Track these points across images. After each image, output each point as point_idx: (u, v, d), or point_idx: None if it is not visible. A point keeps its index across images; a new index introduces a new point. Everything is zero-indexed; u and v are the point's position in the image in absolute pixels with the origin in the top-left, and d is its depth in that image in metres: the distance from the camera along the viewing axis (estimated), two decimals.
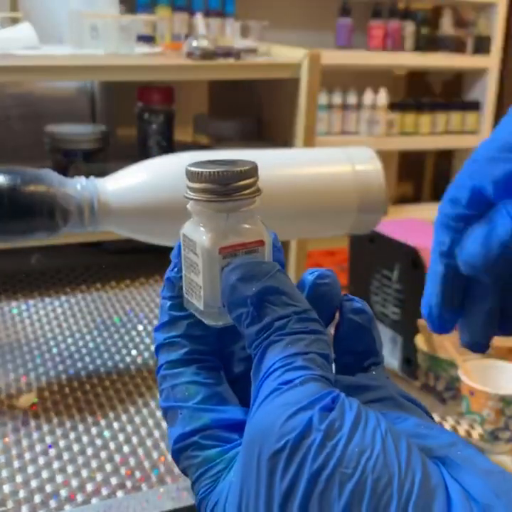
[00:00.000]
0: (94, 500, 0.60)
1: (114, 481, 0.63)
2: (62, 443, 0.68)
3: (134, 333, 0.91)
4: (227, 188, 0.30)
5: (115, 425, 0.71)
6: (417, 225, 1.13)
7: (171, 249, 0.33)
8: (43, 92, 1.26)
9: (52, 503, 0.59)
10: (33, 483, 0.62)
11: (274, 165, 0.75)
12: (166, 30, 1.62)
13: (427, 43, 2.70)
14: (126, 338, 0.90)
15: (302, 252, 1.17)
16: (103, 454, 0.66)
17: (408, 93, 2.93)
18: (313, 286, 0.32)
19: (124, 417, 0.73)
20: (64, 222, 0.67)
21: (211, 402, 0.31)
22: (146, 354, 0.86)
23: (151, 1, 2.04)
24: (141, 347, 0.88)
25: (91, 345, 0.87)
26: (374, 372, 0.32)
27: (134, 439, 0.69)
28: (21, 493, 0.60)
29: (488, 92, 2.73)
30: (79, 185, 0.68)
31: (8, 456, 0.65)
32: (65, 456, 0.66)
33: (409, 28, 2.66)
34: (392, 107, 2.64)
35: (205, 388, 0.32)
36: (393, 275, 1.00)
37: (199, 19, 1.37)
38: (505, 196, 0.34)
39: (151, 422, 0.72)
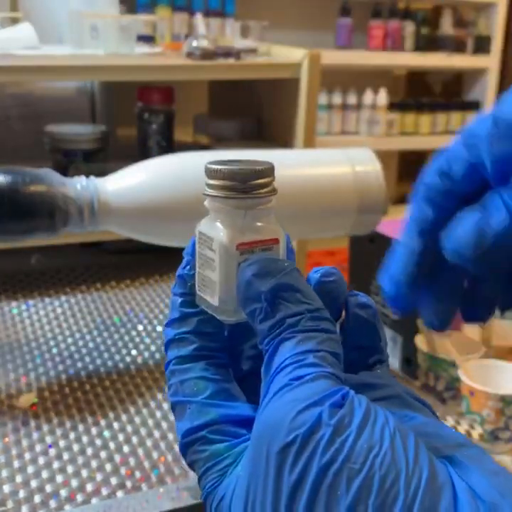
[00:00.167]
0: (94, 500, 0.60)
1: (114, 481, 0.63)
2: (62, 443, 0.68)
3: (134, 333, 0.91)
4: (246, 185, 0.31)
5: (115, 425, 0.71)
6: None
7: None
8: (43, 92, 1.26)
9: (52, 503, 0.59)
10: (33, 483, 0.62)
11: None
12: (166, 30, 1.62)
13: (427, 43, 2.70)
14: (126, 338, 0.90)
15: (302, 252, 1.17)
16: (103, 454, 0.66)
17: (408, 93, 2.93)
18: (319, 284, 0.32)
19: (124, 417, 0.73)
20: (64, 222, 0.67)
21: (219, 397, 0.32)
22: (146, 354, 0.86)
23: (151, 1, 2.04)
24: (141, 347, 0.88)
25: (91, 345, 0.87)
26: (379, 371, 0.32)
27: (134, 439, 0.69)
28: (21, 493, 0.60)
29: (488, 92, 2.73)
30: (79, 185, 0.68)
31: (8, 456, 0.65)
32: (65, 456, 0.66)
33: (409, 28, 2.66)
34: (392, 107, 2.64)
35: (213, 384, 0.32)
36: None
37: (199, 19, 1.37)
38: (502, 179, 0.32)
39: (151, 422, 0.72)
